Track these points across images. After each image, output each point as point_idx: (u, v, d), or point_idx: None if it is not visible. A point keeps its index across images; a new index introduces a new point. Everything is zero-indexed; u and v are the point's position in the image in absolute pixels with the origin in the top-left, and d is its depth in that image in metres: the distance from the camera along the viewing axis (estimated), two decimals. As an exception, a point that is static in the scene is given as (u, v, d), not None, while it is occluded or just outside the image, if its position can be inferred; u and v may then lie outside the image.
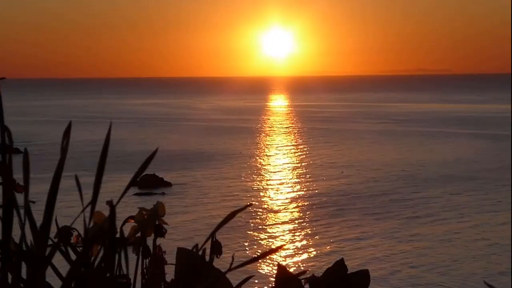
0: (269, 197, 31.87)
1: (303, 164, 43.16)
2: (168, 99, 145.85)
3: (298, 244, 23.76)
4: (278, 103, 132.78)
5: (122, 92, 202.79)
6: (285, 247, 22.89)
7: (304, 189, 33.98)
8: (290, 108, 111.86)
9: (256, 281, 17.71)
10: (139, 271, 2.32)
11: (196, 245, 2.26)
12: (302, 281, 2.96)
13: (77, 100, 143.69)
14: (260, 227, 25.90)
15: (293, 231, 25.72)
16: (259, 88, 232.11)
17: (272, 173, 38.92)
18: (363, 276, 2.99)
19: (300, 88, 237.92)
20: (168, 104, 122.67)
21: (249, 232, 24.80)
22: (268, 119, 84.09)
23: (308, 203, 30.63)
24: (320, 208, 29.46)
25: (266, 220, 27.02)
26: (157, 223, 2.37)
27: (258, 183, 35.53)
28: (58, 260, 2.02)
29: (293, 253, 22.72)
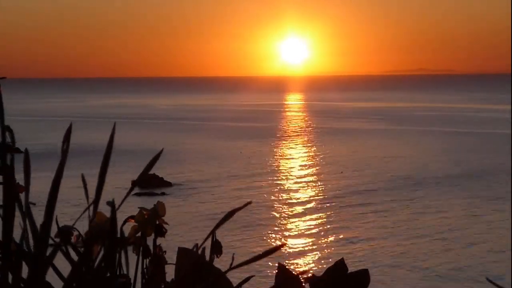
0: (268, 196, 31.87)
1: (303, 163, 43.17)
2: (188, 99, 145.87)
3: (299, 244, 23.76)
4: (283, 102, 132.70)
5: (141, 91, 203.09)
6: (285, 246, 22.89)
7: (304, 188, 33.99)
8: (292, 107, 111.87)
9: (257, 280, 17.70)
10: (139, 271, 2.32)
11: (196, 245, 2.27)
12: (303, 280, 2.96)
13: (97, 100, 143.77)
14: (260, 226, 25.90)
15: (293, 230, 25.73)
16: (270, 87, 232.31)
17: (272, 173, 38.92)
18: (363, 276, 2.99)
19: (308, 88, 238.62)
20: (180, 104, 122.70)
21: (249, 231, 24.80)
22: (269, 119, 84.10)
23: (308, 202, 30.65)
24: (320, 207, 29.47)
25: (266, 219, 27.02)
26: (157, 223, 2.37)
27: (257, 182, 35.52)
28: (59, 259, 2.02)
29: (294, 252, 22.72)
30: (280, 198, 31.64)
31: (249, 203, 2.06)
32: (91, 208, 1.97)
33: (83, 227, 2.16)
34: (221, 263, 2.44)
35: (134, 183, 1.95)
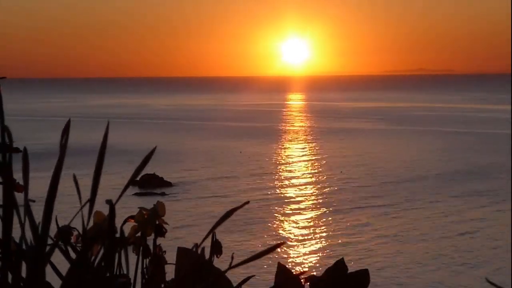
0: (268, 195, 31.87)
1: (303, 162, 43.18)
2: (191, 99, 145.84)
3: (298, 243, 23.76)
4: (284, 102, 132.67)
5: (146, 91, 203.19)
6: (284, 245, 22.88)
7: (303, 188, 33.99)
8: (293, 108, 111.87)
9: (256, 280, 17.72)
10: (139, 271, 2.31)
11: (196, 244, 2.26)
12: (302, 280, 2.96)
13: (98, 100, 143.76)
14: (259, 225, 25.91)
15: (292, 230, 25.73)
16: (270, 88, 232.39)
17: (271, 172, 38.93)
18: (363, 276, 2.99)
19: (309, 88, 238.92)
20: (181, 104, 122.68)
21: (248, 231, 24.81)
22: (270, 119, 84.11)
23: (307, 202, 30.65)
24: (319, 207, 29.47)
25: (265, 219, 27.02)
26: (157, 223, 2.37)
27: (257, 182, 35.53)
28: (59, 259, 2.02)
29: (293, 252, 22.72)
30: (280, 197, 31.65)
31: (247, 202, 2.05)
32: (86, 209, 1.97)
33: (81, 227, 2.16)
34: (220, 263, 2.43)
35: (129, 182, 1.95)
